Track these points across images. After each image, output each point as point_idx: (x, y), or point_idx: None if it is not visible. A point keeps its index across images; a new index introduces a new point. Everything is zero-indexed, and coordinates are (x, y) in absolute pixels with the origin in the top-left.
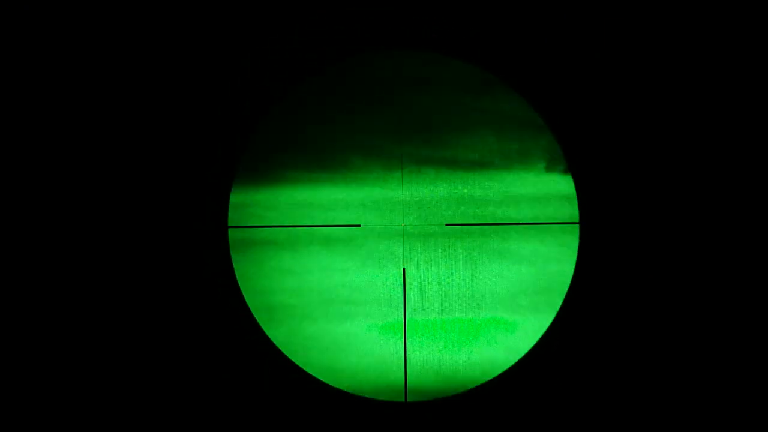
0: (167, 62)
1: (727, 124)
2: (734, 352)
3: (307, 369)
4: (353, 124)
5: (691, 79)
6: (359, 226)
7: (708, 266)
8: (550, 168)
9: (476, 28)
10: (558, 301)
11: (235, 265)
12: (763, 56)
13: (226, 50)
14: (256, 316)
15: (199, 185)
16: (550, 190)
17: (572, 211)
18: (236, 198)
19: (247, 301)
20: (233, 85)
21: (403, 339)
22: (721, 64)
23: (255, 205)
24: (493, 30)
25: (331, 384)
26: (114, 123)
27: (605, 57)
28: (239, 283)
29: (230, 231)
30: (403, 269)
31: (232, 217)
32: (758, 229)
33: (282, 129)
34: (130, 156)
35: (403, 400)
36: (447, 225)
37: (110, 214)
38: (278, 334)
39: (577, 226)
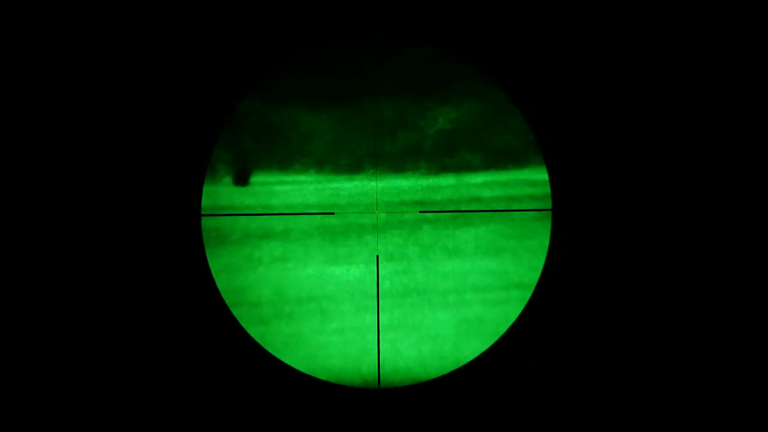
0: (142, 49)
1: (697, 112)
2: (707, 341)
3: (279, 356)
4: (328, 112)
5: (663, 66)
6: (333, 213)
7: (681, 253)
8: (522, 157)
9: (449, 13)
10: (530, 288)
11: (207, 254)
12: (730, 45)
13: (202, 37)
14: (227, 303)
15: (172, 173)
16: (525, 178)
17: (545, 199)
18: (209, 186)
19: (219, 288)
20: (207, 73)
21: (376, 326)
22: (692, 51)
23: (228, 194)
24: (465, 16)
25: (303, 371)
26: (84, 111)
27: (586, 51)
28: (211, 270)
29: (203, 220)
30: (377, 256)
31: (206, 206)
32: (729, 216)
33: (256, 117)
34: (101, 144)
35: (376, 386)
36: (421, 212)
37: (81, 202)
38: (250, 322)
39: (550, 212)
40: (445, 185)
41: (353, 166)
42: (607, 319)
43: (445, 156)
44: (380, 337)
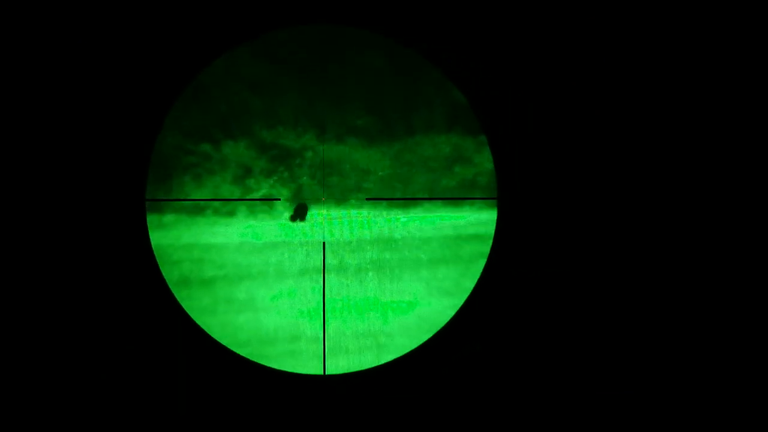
0: (91, 35)
1: (651, 101)
2: (657, 332)
3: (224, 342)
4: (274, 96)
5: (615, 54)
6: (279, 199)
7: (629, 241)
8: (469, 144)
9: (396, 2)
10: (476, 275)
11: (152, 237)
12: (677, 31)
13: (149, 18)
14: (173, 290)
15: (117, 157)
16: (474, 168)
17: (491, 186)
18: (154, 171)
19: (164, 275)
20: (155, 55)
21: (321, 312)
22: (645, 33)
23: (173, 178)
24: (414, 5)
25: (248, 357)
26: (28, 98)
27: (544, 42)
28: (156, 256)
29: (147, 204)
30: (323, 243)
31: (150, 190)
32: (679, 207)
33: (201, 101)
34: (45, 129)
35: (321, 373)
36: (367, 199)
37: (25, 187)
38: (195, 308)
39: (495, 201)
40: (393, 172)
41: (299, 152)
42: (552, 308)
43: (395, 142)
44: (326, 322)
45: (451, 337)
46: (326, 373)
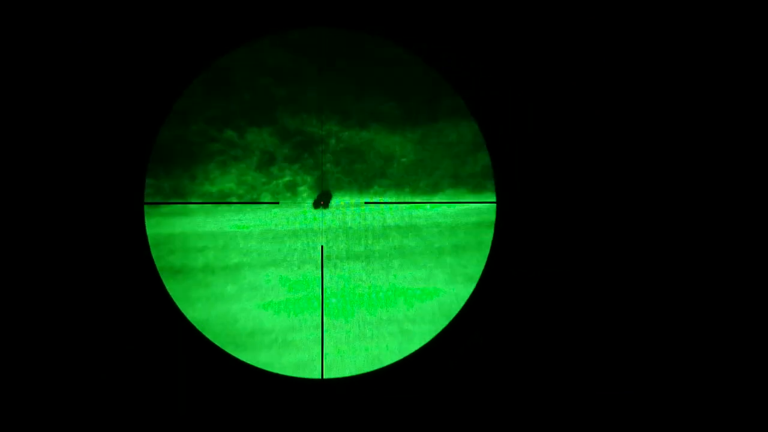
0: (92, 38)
1: (651, 100)
2: (656, 331)
3: (223, 347)
4: (273, 101)
5: (615, 54)
6: (278, 203)
7: (627, 246)
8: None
9: (395, 5)
10: (475, 278)
11: (151, 244)
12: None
13: (150, 20)
14: (171, 295)
15: (116, 162)
16: (472, 170)
17: (490, 190)
18: (153, 175)
19: (162, 279)
20: (154, 58)
21: (320, 316)
22: (637, 36)
23: (173, 182)
24: (411, 7)
25: (246, 362)
26: (29, 101)
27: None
28: (154, 260)
29: (146, 208)
30: (321, 247)
31: (149, 194)
32: (678, 207)
33: (200, 106)
34: (45, 133)
35: (319, 377)
36: (366, 203)
37: (26, 192)
38: (194, 312)
39: (494, 205)
40: (391, 176)
41: (299, 157)
42: (551, 308)
43: (393, 150)
44: (324, 326)
45: (451, 339)
46: (324, 377)
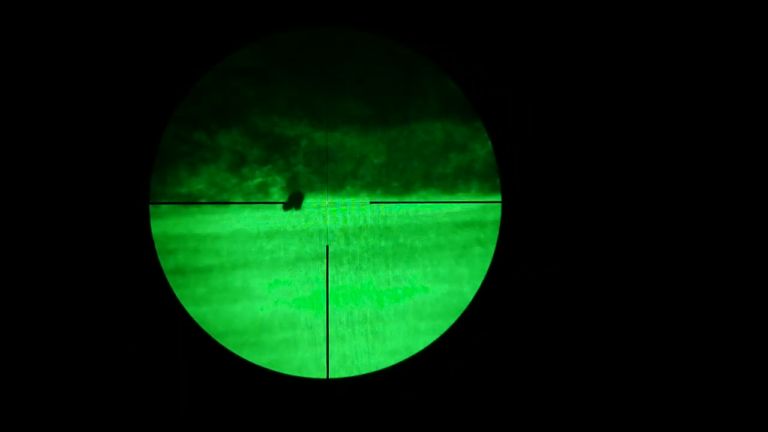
0: (95, 36)
1: (651, 100)
2: (659, 331)
3: (228, 346)
4: (278, 99)
5: (615, 53)
6: (279, 204)
7: (630, 244)
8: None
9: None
10: (480, 278)
11: (156, 242)
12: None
13: (156, 19)
14: (176, 293)
15: (121, 160)
16: (475, 168)
17: (495, 189)
18: (158, 174)
19: (168, 278)
20: (159, 56)
21: (325, 316)
22: (639, 35)
23: (176, 182)
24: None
25: (252, 361)
26: (34, 98)
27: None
28: (159, 259)
29: (151, 207)
30: (327, 246)
31: (154, 193)
32: (679, 207)
33: (207, 104)
34: (51, 131)
35: (324, 377)
36: (372, 203)
37: (32, 191)
38: (199, 312)
39: (500, 204)
40: (396, 176)
41: (304, 156)
42: (551, 308)
43: (400, 151)
44: (329, 326)
45: (452, 340)
46: (329, 377)
